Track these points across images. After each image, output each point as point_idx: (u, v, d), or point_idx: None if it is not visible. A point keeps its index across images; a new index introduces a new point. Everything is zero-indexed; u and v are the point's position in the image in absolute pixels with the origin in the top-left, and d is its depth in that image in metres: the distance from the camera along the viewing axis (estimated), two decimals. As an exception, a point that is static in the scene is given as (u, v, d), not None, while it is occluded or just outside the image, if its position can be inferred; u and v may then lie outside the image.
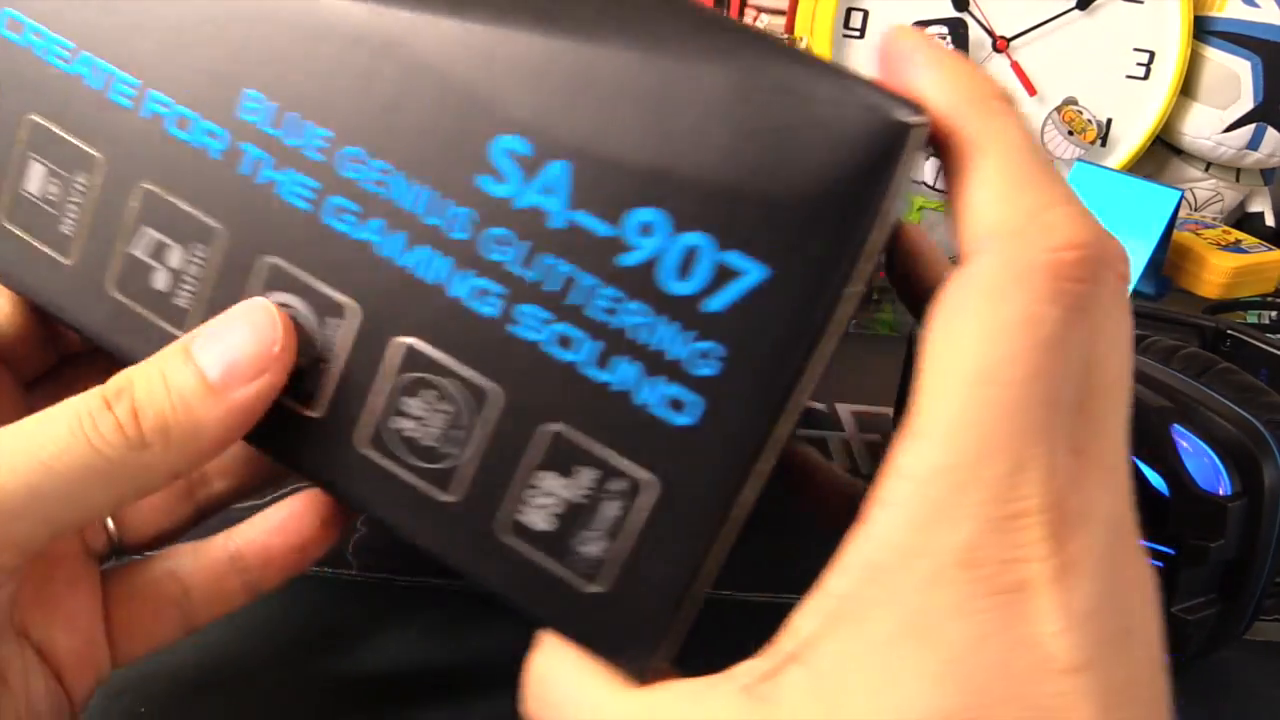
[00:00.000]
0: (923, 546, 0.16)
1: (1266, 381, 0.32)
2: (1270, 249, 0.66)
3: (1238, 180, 0.74)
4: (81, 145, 0.21)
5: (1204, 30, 0.70)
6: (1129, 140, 0.71)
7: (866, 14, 0.68)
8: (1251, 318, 0.61)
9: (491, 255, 0.19)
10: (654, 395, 0.18)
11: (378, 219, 0.19)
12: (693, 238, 0.17)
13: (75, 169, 0.22)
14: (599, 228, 0.18)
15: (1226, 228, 0.69)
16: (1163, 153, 0.74)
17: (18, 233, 0.22)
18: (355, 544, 0.35)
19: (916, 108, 0.17)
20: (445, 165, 0.19)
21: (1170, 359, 0.34)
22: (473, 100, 0.18)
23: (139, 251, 0.21)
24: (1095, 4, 0.68)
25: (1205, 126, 0.70)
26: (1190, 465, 0.31)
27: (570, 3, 0.18)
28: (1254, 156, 0.71)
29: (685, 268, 0.17)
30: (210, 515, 0.28)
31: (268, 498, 0.28)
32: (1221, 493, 0.31)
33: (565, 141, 0.18)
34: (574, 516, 0.19)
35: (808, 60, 0.17)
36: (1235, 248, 0.66)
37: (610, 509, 0.19)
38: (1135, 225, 0.62)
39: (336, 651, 0.28)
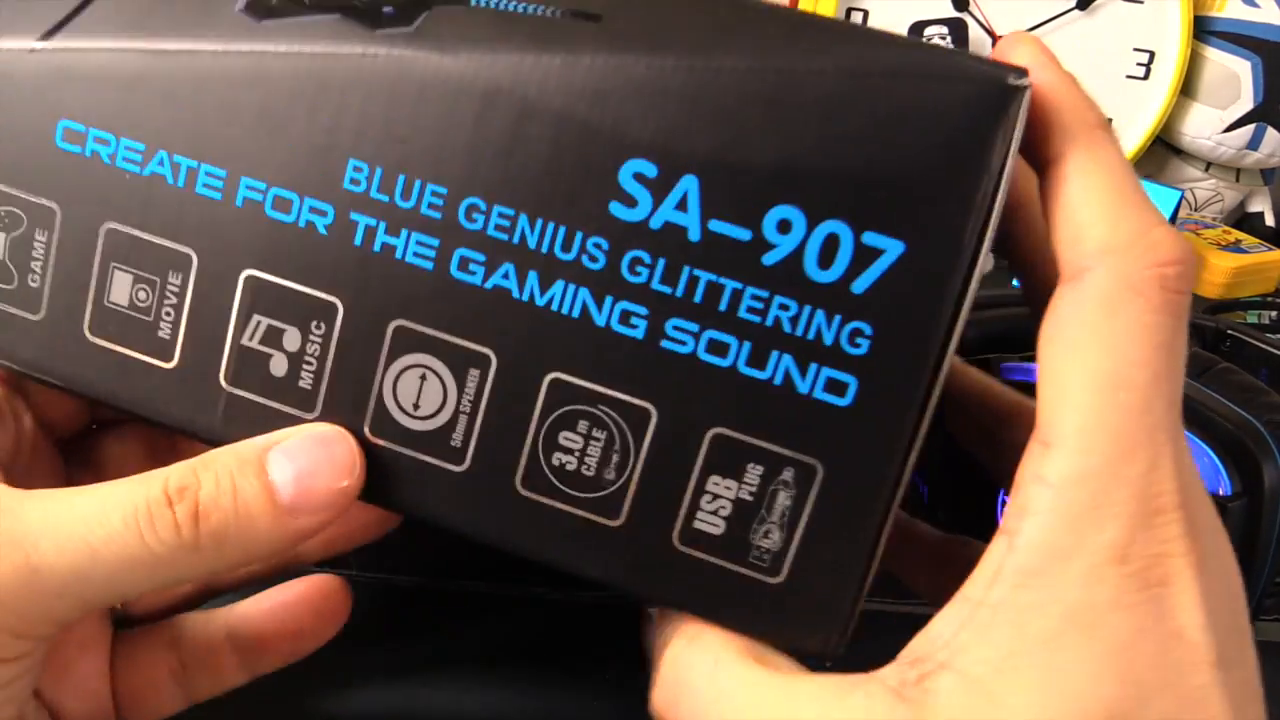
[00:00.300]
0: (1076, 547, 0.17)
1: (1266, 381, 0.32)
2: (1270, 249, 0.66)
3: (1238, 180, 0.74)
4: (171, 245, 0.21)
5: (1204, 30, 0.69)
6: (1129, 140, 0.71)
7: (866, 14, 0.68)
8: (1251, 318, 0.61)
9: (632, 278, 0.19)
10: (812, 382, 0.19)
11: (507, 263, 0.20)
12: (830, 226, 0.18)
13: (166, 270, 0.21)
14: (738, 233, 0.19)
15: (1226, 228, 0.69)
16: (1163, 153, 0.74)
17: (109, 346, 0.22)
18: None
19: (1022, 72, 0.18)
20: (571, 199, 0.19)
21: (1170, 359, 0.34)
22: (591, 132, 0.19)
23: (252, 341, 0.21)
24: (1095, 4, 0.68)
25: (1205, 126, 0.70)
26: (1190, 465, 0.31)
27: (670, 25, 0.19)
28: (1254, 156, 0.71)
29: (826, 256, 0.18)
30: (216, 595, 0.28)
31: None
32: (1221, 493, 0.31)
33: (691, 157, 0.19)
34: (746, 515, 0.20)
35: (910, 44, 0.18)
36: (1235, 248, 0.66)
37: (782, 500, 0.19)
38: (1135, 225, 0.61)
39: (336, 651, 0.28)
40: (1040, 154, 0.19)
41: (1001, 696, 0.17)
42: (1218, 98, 0.69)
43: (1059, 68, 0.19)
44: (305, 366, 0.21)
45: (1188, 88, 0.70)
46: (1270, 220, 0.74)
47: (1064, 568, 0.17)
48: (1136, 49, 0.69)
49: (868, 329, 0.19)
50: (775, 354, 0.19)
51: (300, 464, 0.20)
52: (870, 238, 0.18)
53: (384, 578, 0.34)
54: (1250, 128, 0.69)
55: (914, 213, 0.18)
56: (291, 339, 0.21)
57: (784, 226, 0.19)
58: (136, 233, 0.21)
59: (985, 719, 0.17)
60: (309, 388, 0.21)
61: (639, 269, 0.19)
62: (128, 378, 0.22)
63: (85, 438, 0.26)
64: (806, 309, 0.19)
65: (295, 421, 0.21)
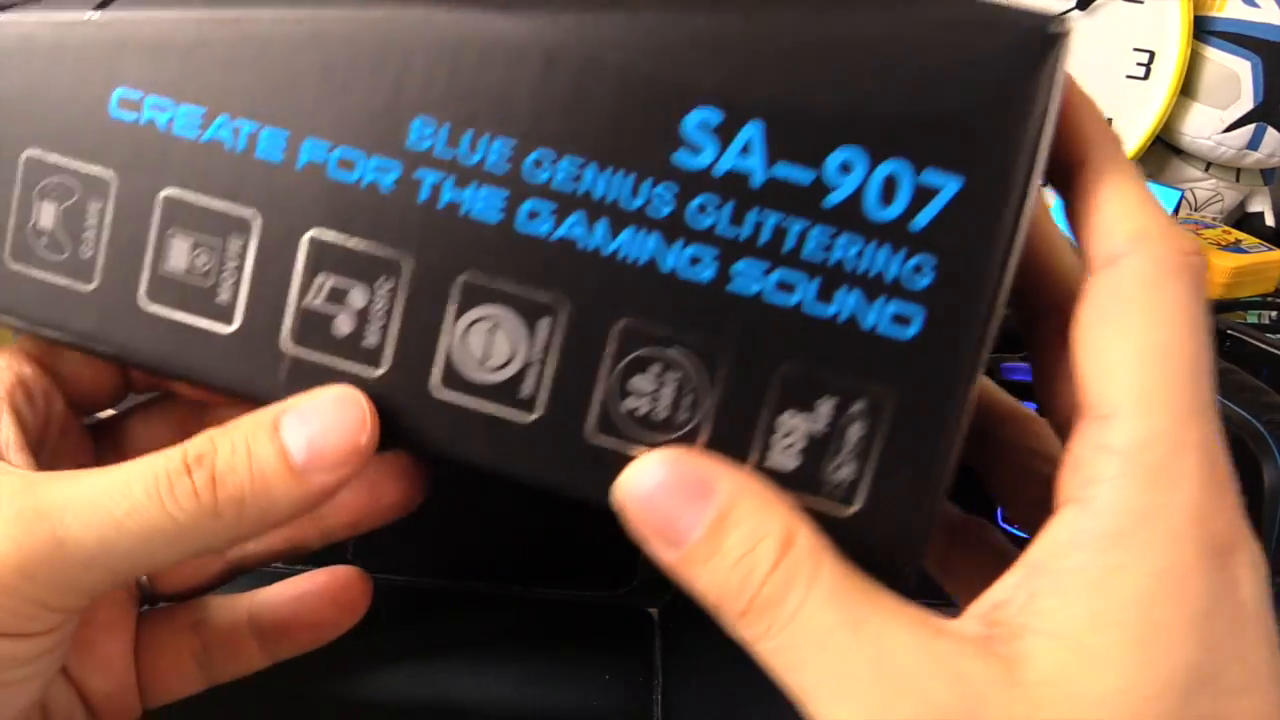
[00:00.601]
0: (1157, 508, 0.18)
1: (1266, 381, 0.32)
2: (1270, 249, 0.66)
3: (1238, 180, 0.74)
4: (231, 209, 0.21)
5: (1204, 30, 0.70)
6: (1129, 140, 0.71)
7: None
8: (1251, 318, 0.61)
9: (700, 223, 0.20)
10: (879, 316, 0.20)
11: (575, 213, 0.20)
12: (890, 165, 0.19)
13: (226, 234, 0.21)
14: (801, 176, 0.20)
15: (1226, 228, 0.69)
16: (1163, 153, 0.74)
17: (166, 313, 0.22)
18: (355, 544, 0.35)
19: (1062, 19, 0.19)
20: (638, 148, 0.20)
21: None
22: (654, 83, 0.20)
23: (316, 301, 0.21)
24: (1095, 4, 0.68)
25: (1205, 126, 0.70)
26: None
27: None
28: (1254, 156, 0.71)
29: (888, 194, 0.19)
30: (242, 573, 0.28)
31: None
32: (1221, 493, 0.31)
33: (754, 104, 0.19)
34: (819, 449, 0.20)
35: None
36: (1235, 248, 0.66)
37: (855, 432, 0.20)
38: (1135, 225, 0.61)
39: (336, 651, 0.29)
40: (1066, 158, 0.20)
41: (1097, 653, 0.17)
42: (1218, 98, 0.69)
43: (1074, 82, 0.20)
44: (370, 324, 0.21)
45: (1188, 88, 0.70)
46: (1270, 220, 0.74)
47: (1149, 528, 0.18)
48: (1136, 49, 0.69)
49: (930, 262, 0.19)
50: (841, 291, 0.20)
51: (312, 426, 0.20)
52: (929, 175, 0.19)
53: (384, 578, 0.34)
54: (1250, 128, 0.69)
55: (969, 150, 0.19)
56: (356, 297, 0.21)
57: (845, 167, 0.19)
58: (195, 198, 0.21)
59: (1082, 675, 0.17)
60: (374, 345, 0.21)
61: (705, 213, 0.20)
62: (186, 344, 0.22)
63: (114, 421, 0.27)
64: (870, 245, 0.20)
65: (360, 381, 0.21)
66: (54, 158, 0.22)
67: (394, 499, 0.28)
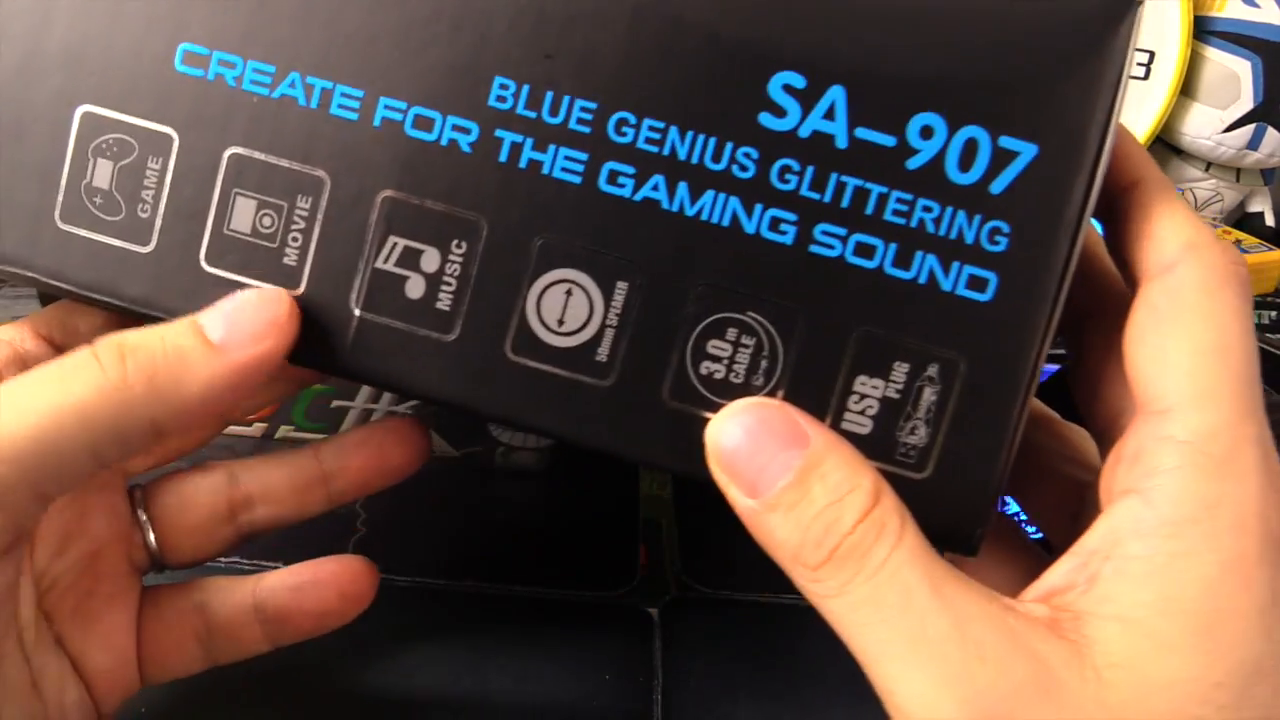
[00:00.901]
0: (1221, 496, 0.18)
1: (1266, 381, 0.32)
2: (1270, 249, 0.66)
3: (1238, 180, 0.74)
4: (302, 168, 0.21)
5: (1204, 30, 0.70)
6: (1129, 140, 0.71)
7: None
8: (1251, 318, 0.61)
9: (781, 186, 0.20)
10: (955, 280, 0.20)
11: (657, 175, 0.20)
12: (970, 130, 0.20)
13: (295, 194, 0.21)
14: (883, 140, 0.20)
15: (1226, 228, 0.69)
16: (1163, 153, 0.74)
17: (229, 275, 0.21)
18: (355, 544, 0.35)
19: None
20: (722, 111, 0.20)
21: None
22: (741, 46, 0.20)
23: (387, 264, 0.21)
24: None
25: (1205, 126, 0.70)
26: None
27: None
28: (1254, 156, 0.71)
29: (967, 159, 0.20)
30: (252, 539, 0.28)
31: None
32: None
33: (838, 69, 0.20)
34: (893, 413, 0.21)
35: None
36: (1235, 248, 0.66)
37: (927, 396, 0.20)
38: (1135, 225, 0.61)
39: (336, 651, 0.28)
40: (1117, 180, 0.21)
41: (1166, 638, 0.18)
42: (1218, 98, 0.69)
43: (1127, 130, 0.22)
44: (444, 287, 0.21)
45: (1188, 88, 0.70)
46: (1270, 220, 0.75)
47: (1213, 518, 0.18)
48: (1137, 49, 0.69)
49: (1006, 227, 0.20)
50: (919, 254, 0.20)
51: (225, 309, 0.20)
52: (1007, 141, 0.20)
53: (384, 578, 0.34)
54: (1250, 128, 0.69)
55: (1046, 117, 0.20)
56: (430, 260, 0.21)
57: (926, 132, 0.20)
58: (264, 157, 0.21)
59: (1152, 660, 0.18)
60: (448, 309, 0.21)
61: (788, 177, 0.20)
62: None
63: None
64: (949, 210, 0.20)
65: (432, 345, 0.21)
66: (112, 114, 0.21)
67: (399, 461, 0.28)
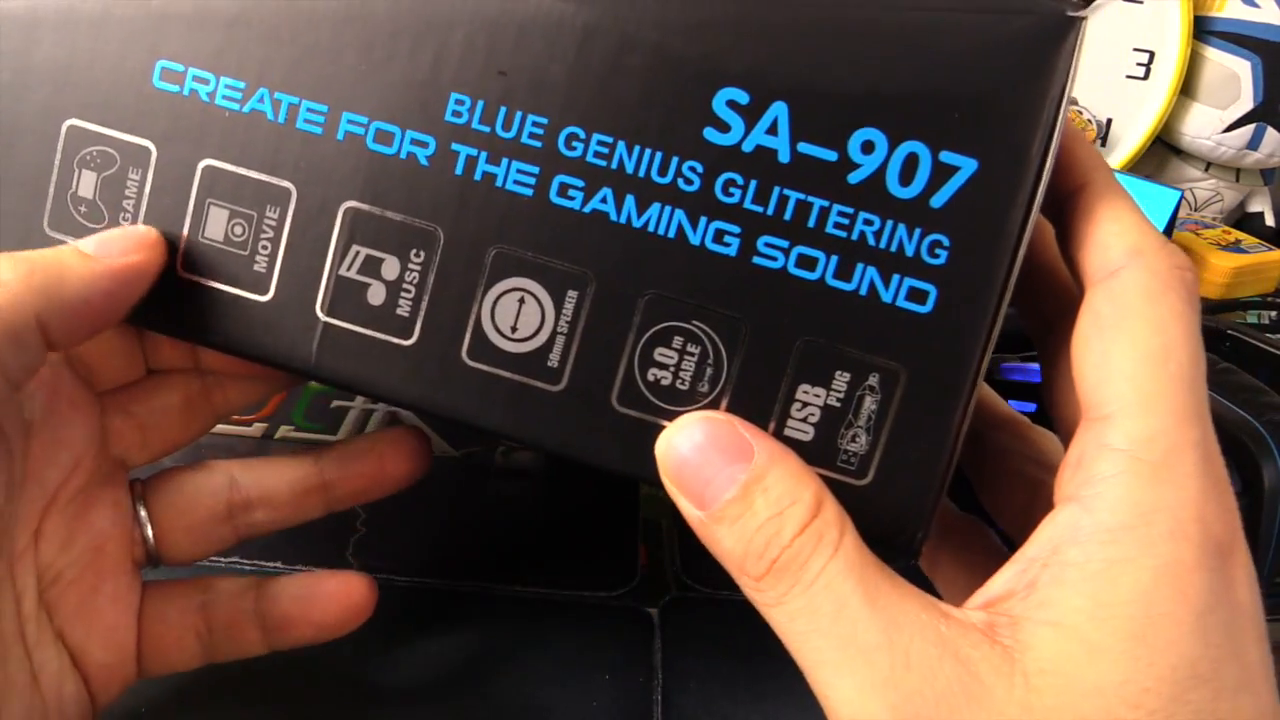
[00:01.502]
0: (1158, 502, 0.18)
1: (1266, 381, 0.32)
2: (1270, 249, 0.66)
3: (1238, 180, 0.74)
4: (270, 179, 0.22)
5: (1204, 30, 0.70)
6: (1129, 140, 0.71)
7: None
8: (1251, 318, 0.61)
9: (725, 199, 0.20)
10: (895, 292, 0.20)
11: (606, 188, 0.21)
12: (911, 145, 0.20)
13: (264, 204, 0.22)
14: (825, 154, 0.20)
15: (1226, 228, 0.69)
16: (1162, 153, 0.74)
17: (202, 282, 0.22)
18: (355, 544, 0.35)
19: (1079, 4, 0.20)
20: (667, 126, 0.20)
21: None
22: (687, 62, 0.20)
23: (350, 271, 0.22)
24: (1095, 4, 0.68)
25: (1205, 126, 0.70)
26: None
27: None
28: (1254, 156, 0.71)
29: (907, 174, 0.20)
30: (249, 540, 0.28)
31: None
32: (1221, 493, 0.31)
33: (780, 85, 0.20)
34: (834, 420, 0.21)
35: None
36: (1235, 248, 0.66)
37: (868, 405, 0.21)
38: (1135, 225, 0.61)
39: (336, 651, 0.28)
40: (1065, 185, 0.21)
41: (1097, 643, 0.18)
42: (1218, 98, 0.69)
43: (1079, 131, 0.22)
44: (404, 294, 0.21)
45: (1188, 88, 0.70)
46: (1270, 220, 0.75)
47: (1150, 524, 0.18)
48: (1136, 49, 0.69)
49: (946, 240, 0.20)
50: (860, 266, 0.20)
51: (99, 235, 0.22)
52: (947, 156, 0.20)
53: (384, 578, 0.34)
54: (1250, 128, 0.69)
55: (987, 132, 0.20)
56: (390, 268, 0.21)
57: (867, 147, 0.20)
58: (235, 168, 0.22)
59: (1082, 665, 0.18)
60: (407, 315, 0.22)
61: (732, 190, 0.20)
62: (221, 313, 0.22)
63: (123, 390, 0.27)
64: (889, 223, 0.20)
65: (392, 349, 0.22)
66: (95, 127, 0.22)
67: (399, 472, 0.29)
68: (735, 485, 0.20)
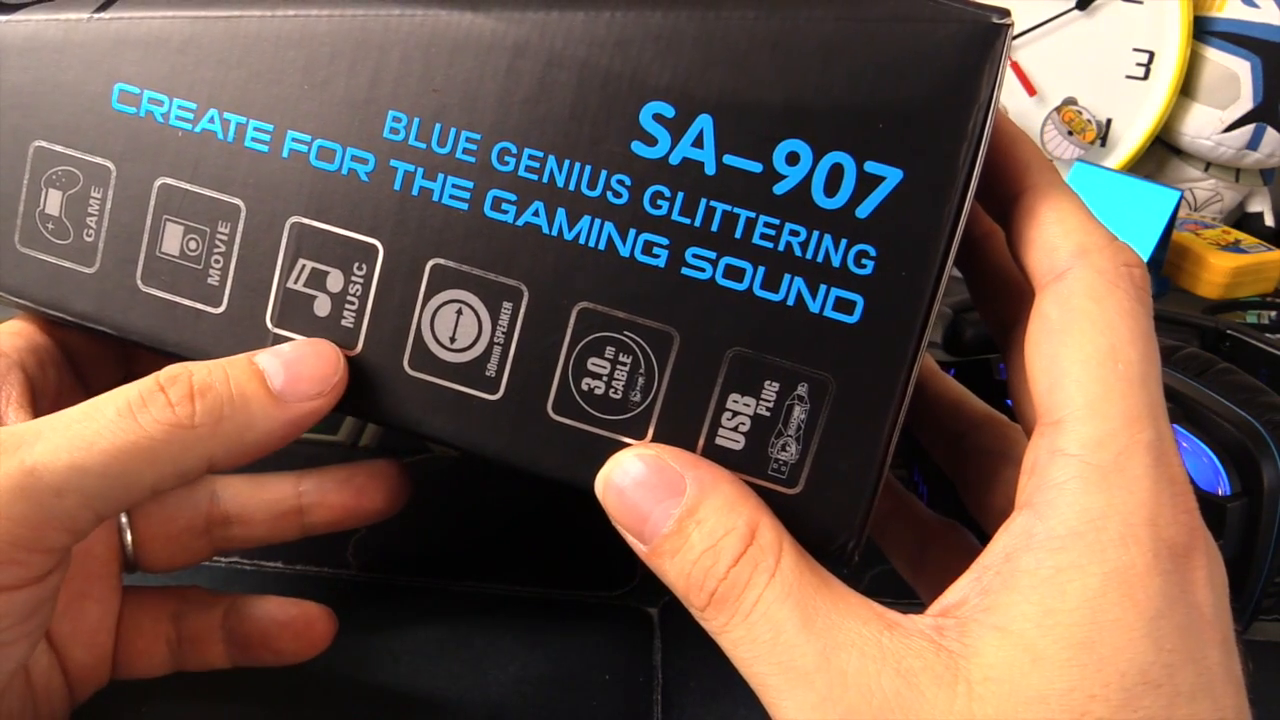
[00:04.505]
0: (1109, 508, 0.18)
1: (1266, 381, 0.32)
2: (1270, 249, 0.66)
3: (1237, 180, 0.74)
4: (220, 196, 0.22)
5: (1204, 30, 0.70)
6: (1129, 140, 0.71)
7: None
8: (1251, 318, 0.61)
9: (653, 211, 0.21)
10: (822, 302, 0.20)
11: (537, 202, 0.21)
12: (835, 156, 0.20)
13: (215, 220, 0.22)
14: (750, 166, 0.20)
15: (1226, 228, 0.69)
16: (1162, 153, 0.74)
17: (160, 295, 0.23)
18: (355, 544, 0.35)
19: (1004, 12, 0.20)
20: (596, 140, 0.21)
21: (1170, 359, 0.34)
22: (614, 78, 0.21)
23: (297, 284, 0.22)
24: (1095, 4, 0.68)
25: (1205, 126, 0.70)
26: (1190, 465, 0.31)
27: None
28: (1254, 156, 0.71)
29: (832, 185, 0.20)
30: (225, 553, 0.29)
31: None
32: (1221, 493, 0.31)
33: (705, 98, 0.20)
34: (764, 430, 0.21)
35: None
36: (1235, 248, 0.66)
37: (797, 414, 0.21)
38: (1135, 225, 0.62)
39: (336, 651, 0.29)
40: (1008, 188, 0.21)
41: (1042, 651, 0.17)
42: (1217, 98, 0.69)
43: (1004, 115, 0.22)
44: (347, 306, 0.22)
45: (1188, 88, 0.70)
46: (1270, 220, 0.75)
47: (1099, 529, 0.18)
48: (1136, 49, 0.69)
49: (872, 250, 0.20)
50: (787, 277, 0.21)
51: (285, 358, 0.21)
52: (872, 166, 0.20)
53: (384, 578, 0.34)
54: (1250, 128, 0.69)
55: (912, 142, 0.20)
56: (334, 280, 0.22)
57: (792, 159, 0.20)
58: (188, 186, 0.22)
59: (1026, 673, 0.17)
60: (350, 325, 0.22)
61: (659, 202, 0.21)
62: (178, 324, 0.23)
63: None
64: (815, 234, 0.20)
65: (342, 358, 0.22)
66: (60, 148, 0.23)
67: (377, 505, 0.29)
68: (670, 520, 0.20)
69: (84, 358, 0.26)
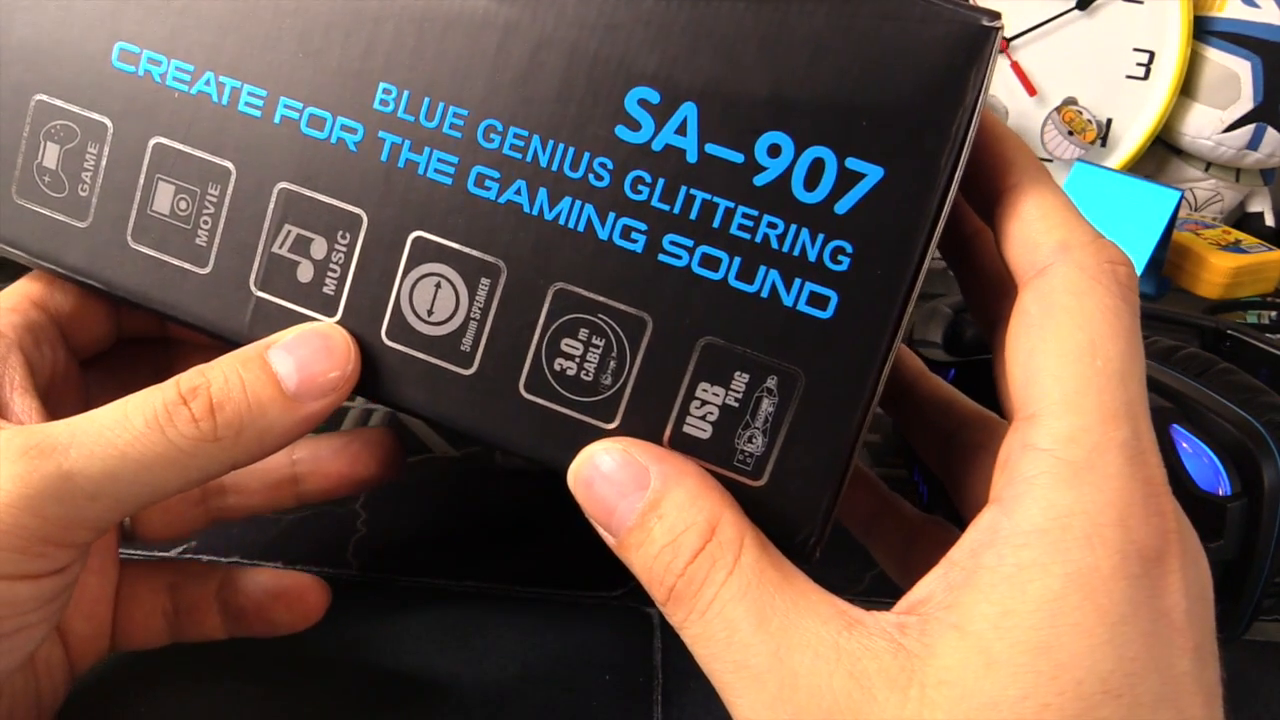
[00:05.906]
0: (1077, 506, 0.17)
1: (1266, 381, 0.32)
2: (1270, 249, 0.66)
3: (1237, 180, 0.74)
4: (211, 158, 0.23)
5: (1204, 30, 0.70)
6: (1129, 140, 0.71)
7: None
8: (1251, 318, 0.61)
9: (634, 196, 0.21)
10: (796, 296, 0.20)
11: (520, 180, 0.21)
12: (816, 151, 0.20)
13: (206, 182, 0.23)
14: (731, 156, 0.20)
15: (1226, 228, 0.69)
16: (1163, 153, 0.74)
17: (149, 252, 0.23)
18: (355, 544, 0.35)
19: (994, 15, 0.19)
20: (581, 122, 0.21)
21: (1170, 359, 0.34)
22: (601, 61, 0.21)
23: (282, 249, 0.22)
24: (1095, 4, 0.68)
25: (1205, 126, 0.70)
26: (1190, 465, 0.31)
27: None
28: (1254, 156, 0.71)
29: (812, 179, 0.20)
30: (221, 523, 0.29)
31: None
32: (1221, 493, 0.31)
33: (690, 87, 0.20)
34: (732, 420, 0.21)
35: None
36: (1235, 248, 0.66)
37: (765, 407, 0.21)
38: (1135, 225, 0.62)
39: (336, 651, 0.29)
40: (994, 185, 0.21)
41: (998, 654, 0.17)
42: (1218, 98, 0.69)
43: (1006, 129, 0.22)
44: (329, 273, 0.22)
45: (1188, 88, 0.70)
46: (1270, 220, 0.75)
47: (1065, 528, 0.17)
48: (1136, 49, 0.69)
49: (849, 247, 0.20)
50: (763, 269, 0.21)
51: (299, 355, 0.22)
52: (853, 163, 0.20)
53: (384, 578, 0.34)
54: (1250, 128, 0.69)
55: (894, 141, 0.20)
56: (318, 247, 0.22)
57: (774, 151, 0.20)
58: (181, 146, 0.23)
59: (980, 677, 0.17)
60: (332, 293, 0.22)
61: (640, 188, 0.21)
62: (165, 282, 0.23)
63: (110, 359, 0.28)
64: (793, 227, 0.20)
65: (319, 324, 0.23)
66: (60, 103, 0.23)
67: (370, 473, 0.29)
68: (634, 514, 0.20)
69: (72, 326, 0.26)
